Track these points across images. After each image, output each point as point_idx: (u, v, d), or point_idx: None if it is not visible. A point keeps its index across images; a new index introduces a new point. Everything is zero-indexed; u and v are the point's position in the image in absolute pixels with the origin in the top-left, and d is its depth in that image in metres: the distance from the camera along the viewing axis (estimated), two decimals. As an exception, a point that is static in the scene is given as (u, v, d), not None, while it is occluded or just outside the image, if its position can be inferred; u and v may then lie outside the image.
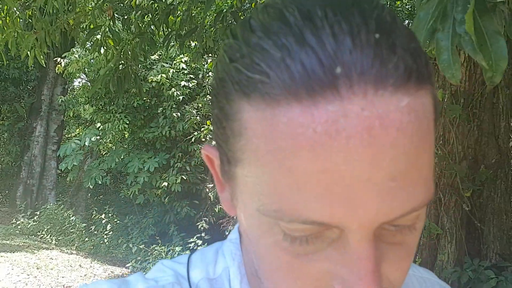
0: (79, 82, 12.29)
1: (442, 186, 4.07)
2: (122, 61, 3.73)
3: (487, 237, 4.02)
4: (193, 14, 3.62)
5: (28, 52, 3.40)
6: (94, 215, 8.85)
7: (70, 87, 13.01)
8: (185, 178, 7.58)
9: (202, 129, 7.09)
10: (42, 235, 9.14)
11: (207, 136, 7.19)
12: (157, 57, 7.96)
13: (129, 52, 3.69)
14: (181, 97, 7.65)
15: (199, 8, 5.13)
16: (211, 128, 0.48)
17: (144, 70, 7.71)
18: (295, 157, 0.31)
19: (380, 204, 0.32)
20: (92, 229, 8.81)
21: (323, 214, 0.32)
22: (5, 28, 3.42)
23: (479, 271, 3.71)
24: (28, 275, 6.50)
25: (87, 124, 11.16)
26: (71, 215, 9.39)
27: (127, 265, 7.26)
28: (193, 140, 7.27)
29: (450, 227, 3.98)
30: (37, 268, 6.86)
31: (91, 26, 3.74)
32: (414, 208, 0.33)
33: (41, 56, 3.45)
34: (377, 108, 0.30)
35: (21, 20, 3.73)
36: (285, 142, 0.31)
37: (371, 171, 0.30)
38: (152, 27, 3.86)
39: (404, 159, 0.31)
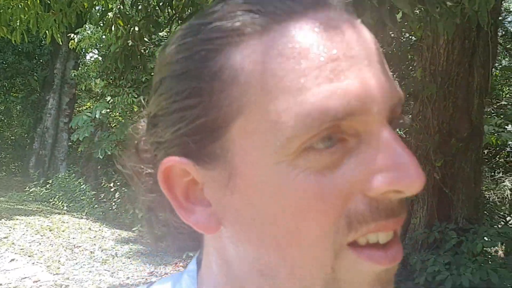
0: (90, 57, 12.67)
1: (418, 158, 4.44)
2: (130, 40, 4.11)
3: (456, 203, 4.42)
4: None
5: (47, 31, 3.79)
6: (103, 184, 9.33)
7: (82, 62, 13.35)
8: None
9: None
10: (54, 202, 9.66)
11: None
12: (165, 34, 8.29)
13: (136, 33, 4.09)
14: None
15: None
16: (166, 138, 0.41)
17: (152, 46, 8.05)
18: (302, 60, 0.34)
19: (385, 82, 0.36)
20: (102, 196, 9.31)
21: (361, 98, 0.34)
22: (26, 9, 3.81)
23: (445, 232, 4.14)
24: (42, 236, 6.93)
25: (98, 97, 11.56)
26: (81, 184, 9.91)
27: (133, 229, 7.75)
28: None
29: (422, 194, 4.39)
30: (49, 230, 7.30)
31: (103, 6, 4.11)
32: (401, 97, 0.37)
33: (58, 35, 3.85)
34: (348, 16, 0.38)
35: (40, 1, 4.12)
36: (289, 52, 0.34)
37: (364, 51, 0.36)
38: (157, 9, 4.23)
39: (377, 52, 0.38)
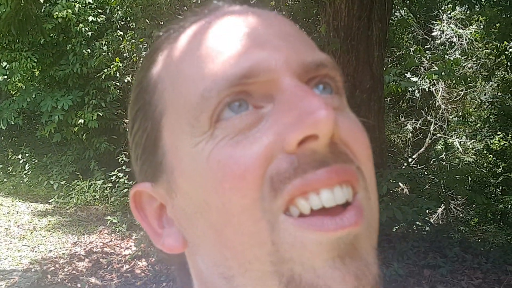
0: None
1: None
2: (22, 3, 3.79)
3: (362, 150, 4.77)
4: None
5: None
6: (10, 156, 8.76)
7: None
8: (101, 114, 7.67)
9: (112, 66, 7.11)
10: (-44, 180, 8.94)
11: (117, 73, 7.23)
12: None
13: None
14: (90, 33, 7.55)
15: None
16: (135, 168, 0.45)
17: (48, 5, 7.44)
18: (201, 49, 0.38)
19: (290, 47, 0.37)
20: (10, 169, 8.76)
21: (254, 59, 0.35)
22: None
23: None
24: None
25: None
26: (-15, 158, 9.20)
27: (50, 201, 7.45)
28: (103, 77, 7.30)
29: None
30: (-45, 209, 6.85)
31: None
32: (321, 59, 0.38)
33: None
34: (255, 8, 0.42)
35: None
36: (189, 48, 0.39)
37: (269, 31, 0.38)
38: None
39: (289, 26, 0.40)
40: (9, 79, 8.10)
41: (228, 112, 0.35)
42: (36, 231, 6.12)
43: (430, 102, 8.31)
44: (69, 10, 7.32)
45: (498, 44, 7.62)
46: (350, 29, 4.56)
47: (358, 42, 4.60)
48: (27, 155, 8.67)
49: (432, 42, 8.47)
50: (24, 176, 8.46)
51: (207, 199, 0.35)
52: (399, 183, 4.72)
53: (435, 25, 8.18)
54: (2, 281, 4.45)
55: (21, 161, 8.58)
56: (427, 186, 6.23)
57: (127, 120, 0.45)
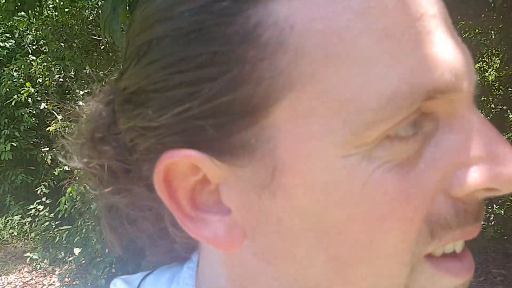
0: None
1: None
2: None
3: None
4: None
5: None
6: None
7: None
8: (15, 144, 7.23)
9: (22, 91, 6.77)
10: None
11: (29, 98, 6.90)
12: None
13: None
14: (-2, 59, 7.13)
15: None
16: (162, 121, 0.28)
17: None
18: (380, 17, 0.25)
19: (465, 52, 0.28)
20: None
21: (442, 69, 0.26)
22: None
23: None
24: None
25: None
26: None
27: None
28: (14, 104, 6.91)
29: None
30: None
31: None
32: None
33: None
34: None
35: None
36: (361, 6, 0.25)
37: (439, 9, 0.28)
38: None
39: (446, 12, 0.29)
40: None
41: (403, 130, 0.27)
42: None
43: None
44: (-28, 36, 6.87)
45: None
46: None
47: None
48: None
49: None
50: None
51: (344, 227, 0.28)
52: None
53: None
54: None
55: None
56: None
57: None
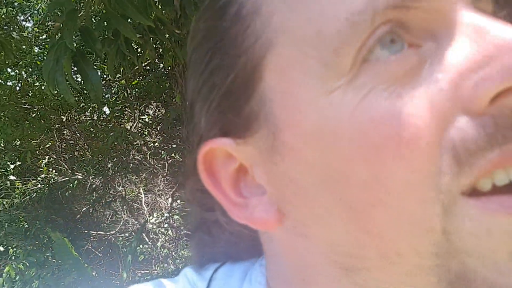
0: None
1: (184, 174, 4.71)
2: None
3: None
4: None
5: None
6: None
7: None
8: None
9: None
10: None
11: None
12: None
13: None
14: None
15: None
16: (202, 118, 0.33)
17: None
18: None
19: None
20: None
21: None
22: None
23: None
24: None
25: None
26: None
27: None
28: None
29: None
30: None
31: None
32: None
33: None
34: None
35: None
36: None
37: None
38: None
39: None
40: None
41: (380, 50, 0.25)
42: None
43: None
44: None
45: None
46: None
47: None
48: None
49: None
50: None
51: (346, 168, 0.26)
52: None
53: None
54: None
55: None
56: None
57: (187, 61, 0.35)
